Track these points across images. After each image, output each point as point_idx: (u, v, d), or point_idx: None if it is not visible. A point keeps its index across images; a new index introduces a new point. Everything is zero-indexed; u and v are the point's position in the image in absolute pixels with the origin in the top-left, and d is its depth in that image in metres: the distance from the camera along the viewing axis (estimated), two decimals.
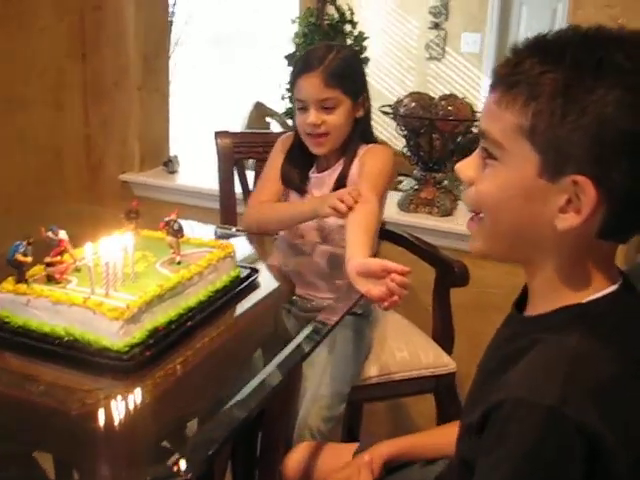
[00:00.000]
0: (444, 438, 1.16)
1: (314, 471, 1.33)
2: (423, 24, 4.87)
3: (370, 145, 1.77)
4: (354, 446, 1.30)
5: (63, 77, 2.66)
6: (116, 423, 0.98)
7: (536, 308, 0.88)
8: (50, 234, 1.17)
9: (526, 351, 0.82)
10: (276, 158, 1.84)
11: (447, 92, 2.46)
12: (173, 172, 2.78)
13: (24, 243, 1.13)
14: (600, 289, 0.84)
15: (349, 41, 2.29)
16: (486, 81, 4.52)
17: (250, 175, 2.13)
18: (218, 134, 2.10)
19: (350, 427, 1.99)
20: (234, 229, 1.88)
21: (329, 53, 1.71)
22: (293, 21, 2.72)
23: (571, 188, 0.78)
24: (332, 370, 1.67)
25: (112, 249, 1.12)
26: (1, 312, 1.14)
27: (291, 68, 1.87)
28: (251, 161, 2.26)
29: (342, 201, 1.50)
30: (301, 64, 1.76)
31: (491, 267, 2.04)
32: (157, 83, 2.78)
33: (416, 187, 2.29)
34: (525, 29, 4.75)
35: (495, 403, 0.78)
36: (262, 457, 1.48)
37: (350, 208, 1.49)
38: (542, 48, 0.81)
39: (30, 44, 2.48)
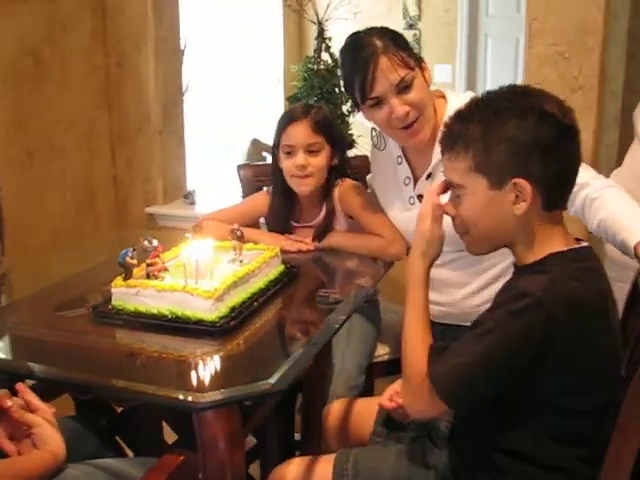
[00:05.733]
0: None
1: (350, 419, 1.71)
2: None
3: (339, 182, 2.04)
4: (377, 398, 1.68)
5: (93, 126, 3.05)
6: (219, 366, 1.37)
7: (523, 262, 1.29)
8: (146, 243, 1.56)
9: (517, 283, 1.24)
10: (248, 208, 2.17)
11: None
12: (192, 203, 3.18)
13: (131, 249, 1.52)
14: (565, 244, 1.25)
15: (342, 82, 2.70)
16: None
17: None
18: (240, 167, 2.42)
19: None
20: None
21: (312, 108, 2.04)
22: (279, 80, 3.16)
23: (514, 188, 1.21)
24: (352, 347, 2.02)
25: (199, 251, 1.51)
26: (115, 303, 1.53)
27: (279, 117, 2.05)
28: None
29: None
30: (289, 115, 2.02)
31: None
32: (175, 127, 3.19)
33: None
34: (492, 58, 5.23)
35: (506, 291, 1.21)
36: (305, 417, 1.87)
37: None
38: (460, 116, 1.27)
39: (64, 99, 2.87)
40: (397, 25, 5.17)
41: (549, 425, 1.21)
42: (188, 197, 3.19)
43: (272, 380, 1.22)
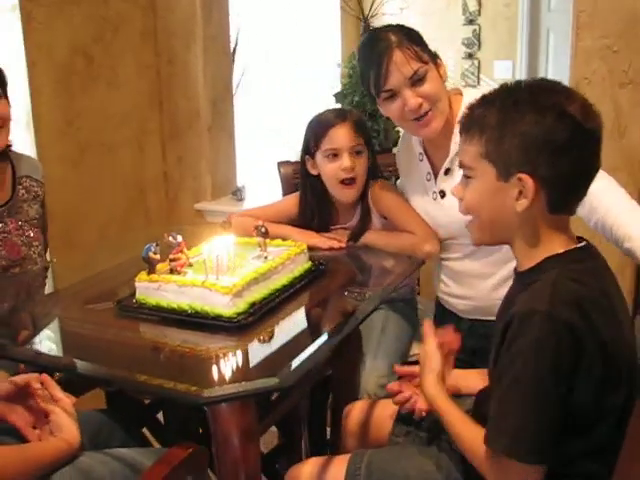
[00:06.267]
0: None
1: (369, 420, 1.69)
2: (457, 55, 5.22)
3: (372, 182, 2.03)
4: None
5: (144, 124, 3.11)
6: (233, 362, 1.37)
7: (522, 267, 1.27)
8: (171, 238, 1.58)
9: (522, 292, 1.20)
10: (285, 204, 2.16)
11: None
12: (241, 200, 3.21)
13: (154, 244, 1.55)
14: (567, 245, 1.22)
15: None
16: None
17: None
18: (280, 164, 2.46)
19: None
20: None
21: (347, 111, 2.06)
22: (339, 65, 3.14)
23: (518, 183, 1.18)
24: (385, 346, 2.01)
25: (220, 247, 1.52)
26: (138, 297, 1.56)
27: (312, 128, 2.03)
28: None
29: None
30: (328, 120, 1.99)
31: None
32: (224, 124, 3.22)
33: None
34: (553, 53, 5.10)
35: (506, 319, 1.17)
36: (333, 415, 1.87)
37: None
38: (482, 101, 1.24)
39: (116, 98, 2.94)
40: (456, 20, 5.13)
41: (578, 432, 1.18)
42: (236, 193, 3.22)
43: (279, 376, 1.22)
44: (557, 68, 5.01)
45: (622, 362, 1.19)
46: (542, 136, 1.15)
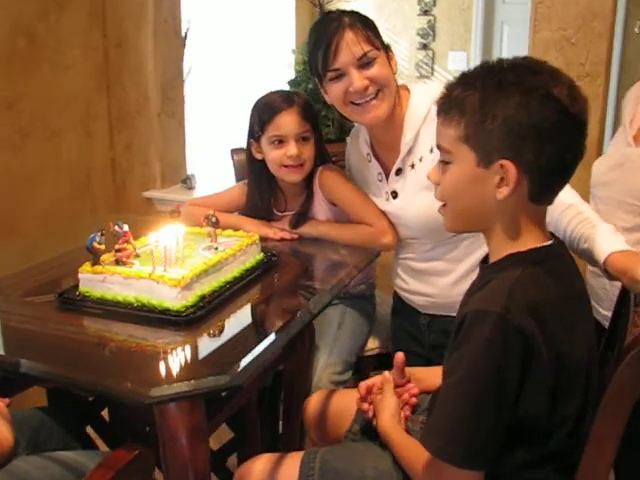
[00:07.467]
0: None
1: (328, 412, 1.64)
2: (412, 45, 5.20)
3: (321, 168, 1.96)
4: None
5: (91, 108, 2.99)
6: (181, 358, 1.30)
7: (493, 259, 1.22)
8: (116, 228, 1.50)
9: (484, 286, 1.16)
10: (231, 194, 2.09)
11: None
12: (191, 188, 3.12)
13: (99, 234, 1.47)
14: (536, 243, 1.17)
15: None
16: None
17: None
18: (234, 151, 2.39)
19: None
20: None
21: (293, 95, 1.97)
22: (293, 51, 3.07)
23: (500, 170, 1.12)
24: (341, 342, 1.97)
25: (168, 237, 1.45)
26: (82, 289, 1.47)
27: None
28: None
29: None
30: (274, 105, 1.91)
31: None
32: (174, 109, 3.12)
33: None
34: (507, 45, 5.11)
35: (461, 317, 1.12)
36: (285, 409, 1.81)
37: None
38: (462, 81, 1.16)
39: (61, 80, 2.81)
40: (411, 11, 5.11)
41: (528, 440, 1.14)
42: (186, 182, 3.13)
43: (229, 375, 1.16)
44: None
45: (576, 372, 1.15)
46: (526, 120, 1.08)
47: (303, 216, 1.96)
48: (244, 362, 1.21)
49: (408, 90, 1.82)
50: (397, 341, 2.08)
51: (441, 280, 1.87)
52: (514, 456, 1.14)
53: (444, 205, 1.25)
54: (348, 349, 1.99)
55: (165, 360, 1.29)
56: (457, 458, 1.10)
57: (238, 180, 2.36)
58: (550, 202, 1.20)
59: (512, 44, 5.04)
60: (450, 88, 1.17)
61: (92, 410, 1.75)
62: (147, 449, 1.20)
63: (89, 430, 1.72)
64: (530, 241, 1.17)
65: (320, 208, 1.99)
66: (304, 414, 1.66)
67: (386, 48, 1.77)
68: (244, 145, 2.50)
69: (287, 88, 3.00)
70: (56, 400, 1.68)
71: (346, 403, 1.59)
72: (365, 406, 1.44)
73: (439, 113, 1.19)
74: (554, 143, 1.10)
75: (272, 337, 1.34)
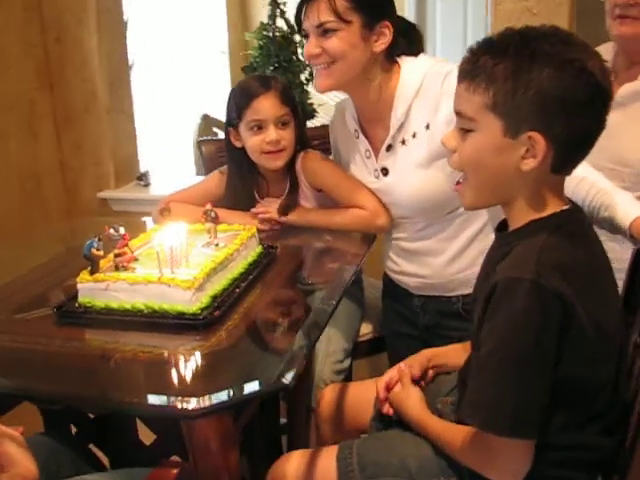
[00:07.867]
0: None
1: (345, 405, 1.60)
2: None
3: (302, 153, 1.92)
4: (374, 381, 1.58)
5: (35, 108, 2.84)
6: (210, 364, 1.23)
7: (513, 226, 1.20)
8: (112, 231, 1.41)
9: (508, 253, 1.14)
10: (208, 185, 2.02)
11: None
12: (147, 185, 3.01)
13: (96, 239, 1.37)
14: (557, 208, 1.16)
15: (300, 50, 2.56)
16: None
17: None
18: (202, 142, 2.31)
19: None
20: None
21: (271, 79, 1.91)
22: (223, 52, 2.99)
23: (527, 141, 1.09)
24: (337, 330, 1.93)
25: (173, 236, 1.37)
26: (82, 300, 1.38)
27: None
28: None
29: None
30: (251, 89, 1.86)
31: None
32: (123, 105, 2.99)
33: None
34: (441, 22, 5.12)
35: (490, 288, 1.09)
36: (289, 403, 1.76)
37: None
38: (491, 47, 1.12)
39: (3, 80, 2.66)
40: None
41: (572, 403, 1.12)
42: (142, 179, 3.01)
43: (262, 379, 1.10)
44: (446, 36, 5.05)
45: (613, 333, 1.14)
46: (560, 93, 1.06)
47: (291, 202, 1.90)
48: (280, 364, 1.15)
49: (398, 64, 1.78)
50: (389, 324, 2.05)
51: (434, 260, 1.84)
52: (558, 420, 1.12)
53: (460, 182, 1.21)
54: (346, 336, 1.95)
55: (190, 368, 1.22)
56: (505, 427, 1.08)
57: (206, 173, 2.28)
58: (569, 173, 1.18)
59: (447, 19, 5.05)
60: (476, 54, 1.13)
61: (96, 426, 1.65)
62: (186, 463, 1.13)
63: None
64: (551, 208, 1.16)
65: (303, 194, 1.93)
66: (317, 410, 1.61)
67: (369, 27, 1.67)
68: (199, 138, 2.43)
69: (233, 76, 2.93)
70: (53, 422, 1.57)
71: (361, 394, 1.56)
72: (386, 408, 1.41)
73: (463, 79, 1.15)
74: (583, 117, 1.09)
75: (301, 335, 1.28)
